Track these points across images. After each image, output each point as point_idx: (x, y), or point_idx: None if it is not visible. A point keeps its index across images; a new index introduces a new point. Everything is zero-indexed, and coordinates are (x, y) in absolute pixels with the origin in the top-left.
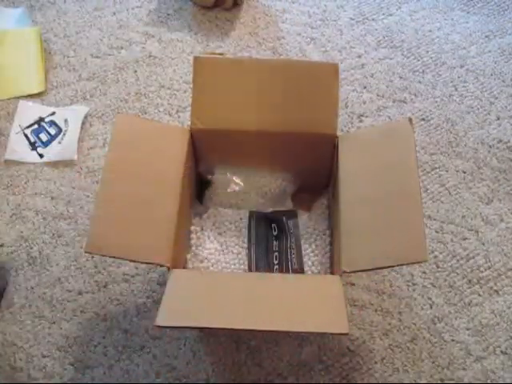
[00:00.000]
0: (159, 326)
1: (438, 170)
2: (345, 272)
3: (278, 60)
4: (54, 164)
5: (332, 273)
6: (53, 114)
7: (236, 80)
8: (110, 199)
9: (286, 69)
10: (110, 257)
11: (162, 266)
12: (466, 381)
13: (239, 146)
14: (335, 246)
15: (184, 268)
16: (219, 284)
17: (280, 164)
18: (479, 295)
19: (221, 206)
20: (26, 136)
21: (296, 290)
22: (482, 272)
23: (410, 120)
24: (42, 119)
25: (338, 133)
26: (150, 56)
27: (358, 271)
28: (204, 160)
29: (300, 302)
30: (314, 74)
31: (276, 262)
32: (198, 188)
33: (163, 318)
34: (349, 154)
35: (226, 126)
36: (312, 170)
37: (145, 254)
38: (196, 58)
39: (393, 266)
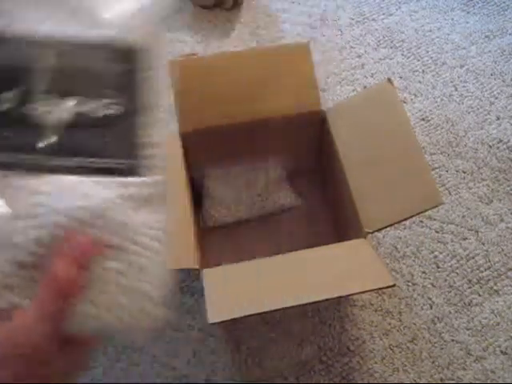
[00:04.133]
0: (213, 323)
1: (438, 170)
2: (368, 233)
3: (251, 49)
4: None
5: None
6: None
7: (214, 76)
8: None
9: (259, 56)
10: None
11: (193, 269)
12: (466, 381)
13: (229, 141)
14: (347, 212)
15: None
16: (254, 271)
17: (271, 151)
18: (479, 295)
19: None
20: None
21: (330, 259)
22: (482, 272)
23: (390, 80)
24: None
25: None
26: None
27: (379, 229)
28: (196, 163)
29: (339, 268)
30: (287, 55)
31: None
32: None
33: (214, 314)
34: (340, 124)
35: (213, 122)
36: (302, 148)
37: (172, 261)
38: (171, 62)
39: (411, 217)
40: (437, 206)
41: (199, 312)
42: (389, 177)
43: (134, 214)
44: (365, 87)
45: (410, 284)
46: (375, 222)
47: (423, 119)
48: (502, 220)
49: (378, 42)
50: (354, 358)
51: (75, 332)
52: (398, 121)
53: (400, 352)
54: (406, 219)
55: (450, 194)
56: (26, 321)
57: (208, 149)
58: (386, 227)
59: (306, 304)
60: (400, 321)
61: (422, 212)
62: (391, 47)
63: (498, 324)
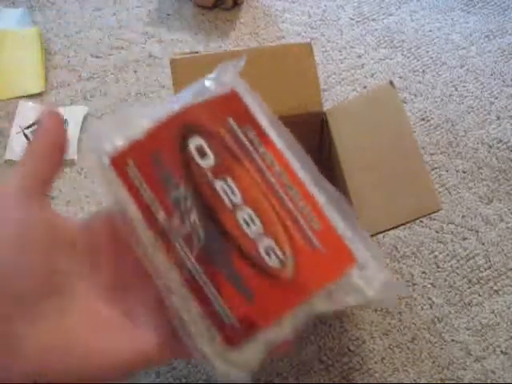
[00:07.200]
0: None
1: (438, 170)
2: None
3: (253, 48)
4: None
5: None
6: None
7: None
8: None
9: (262, 55)
10: None
11: None
12: (466, 381)
13: None
14: None
15: None
16: None
17: None
18: (479, 295)
19: None
20: (26, 136)
21: None
22: (482, 272)
23: (391, 83)
24: None
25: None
26: (150, 56)
27: (375, 234)
28: None
29: None
30: (290, 55)
31: None
32: None
33: None
34: (341, 127)
35: None
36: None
37: None
38: (172, 60)
39: (409, 222)
40: (435, 212)
41: None
42: (388, 182)
43: None
44: (365, 87)
45: (409, 284)
46: (372, 226)
47: (423, 119)
48: (501, 220)
49: (378, 41)
50: (354, 358)
51: None
52: (399, 125)
53: (400, 352)
54: (403, 224)
55: (449, 194)
56: None
57: None
58: (381, 233)
59: None
60: (400, 321)
61: (419, 218)
62: (391, 47)
63: (498, 324)
